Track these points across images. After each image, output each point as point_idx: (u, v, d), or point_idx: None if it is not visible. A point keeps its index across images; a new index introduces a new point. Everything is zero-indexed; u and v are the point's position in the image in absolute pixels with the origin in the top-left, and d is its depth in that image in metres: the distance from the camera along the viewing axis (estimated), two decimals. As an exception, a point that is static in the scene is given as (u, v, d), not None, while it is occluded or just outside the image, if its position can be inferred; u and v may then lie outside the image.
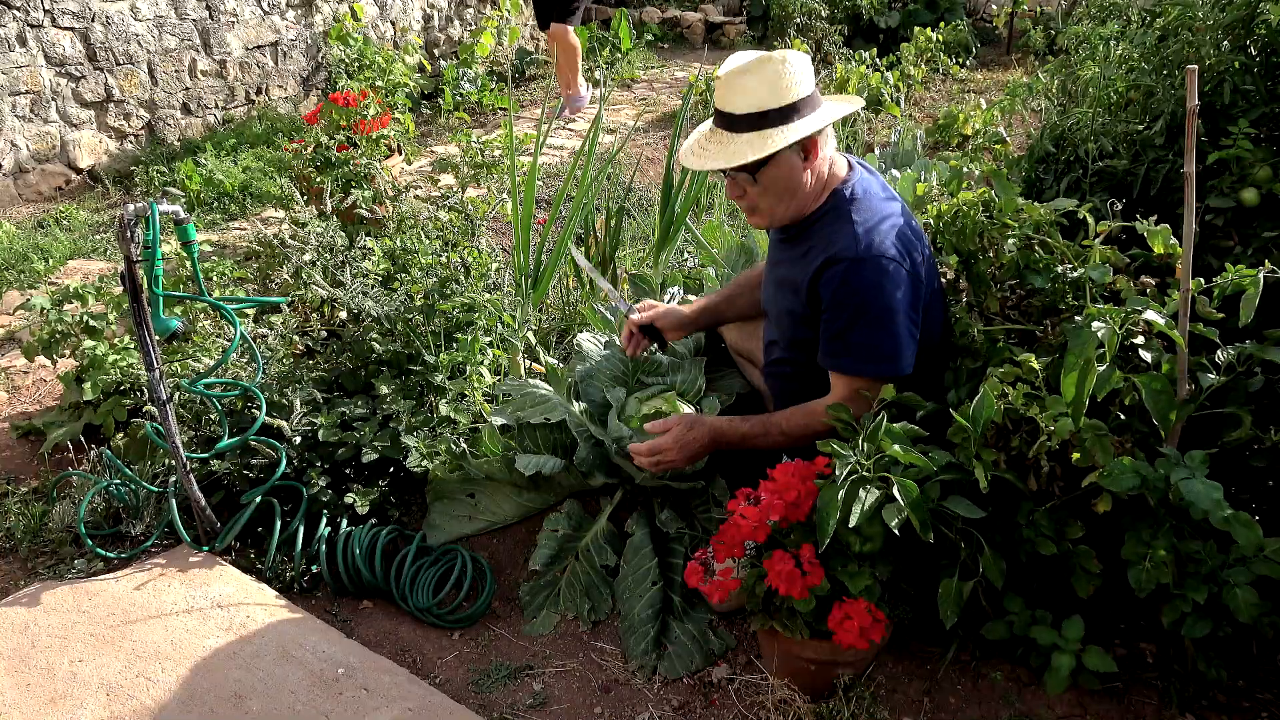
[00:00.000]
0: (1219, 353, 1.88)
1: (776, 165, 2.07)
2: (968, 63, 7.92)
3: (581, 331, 2.94)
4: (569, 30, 6.31)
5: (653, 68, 8.80)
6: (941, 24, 7.99)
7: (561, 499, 2.58)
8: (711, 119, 2.15)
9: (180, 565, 2.42)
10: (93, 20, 5.33)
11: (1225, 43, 2.32)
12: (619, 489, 2.55)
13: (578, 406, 2.60)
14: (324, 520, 2.53)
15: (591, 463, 2.46)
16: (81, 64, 5.33)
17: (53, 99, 5.26)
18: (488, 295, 2.92)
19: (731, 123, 2.07)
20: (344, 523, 2.52)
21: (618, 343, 2.83)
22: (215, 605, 2.27)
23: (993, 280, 2.18)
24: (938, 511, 1.85)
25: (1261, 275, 1.77)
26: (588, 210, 3.53)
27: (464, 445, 2.54)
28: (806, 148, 2.08)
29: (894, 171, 3.54)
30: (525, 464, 2.41)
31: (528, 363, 3.08)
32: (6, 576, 2.51)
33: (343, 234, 3.32)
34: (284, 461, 2.52)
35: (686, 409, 2.46)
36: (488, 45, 7.57)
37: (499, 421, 2.58)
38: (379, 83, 6.25)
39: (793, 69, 2.04)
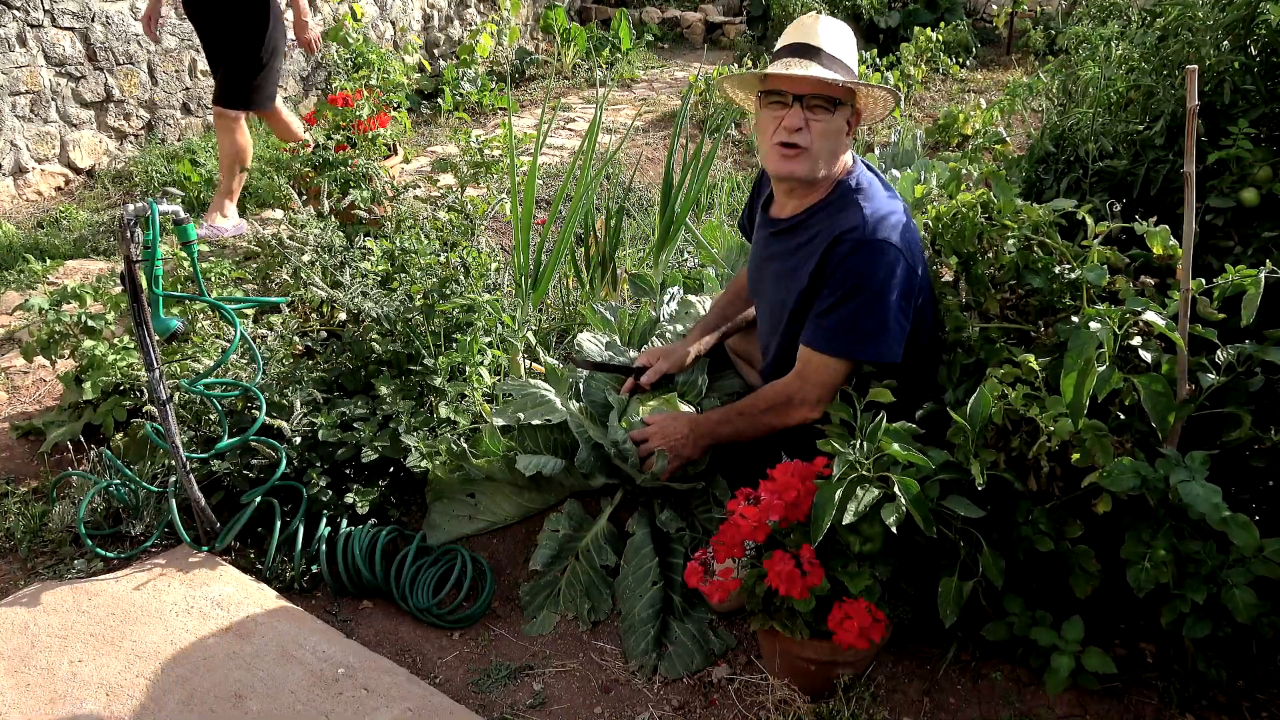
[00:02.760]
0: (1219, 353, 1.88)
1: (842, 112, 2.13)
2: (968, 63, 7.93)
3: (582, 331, 2.94)
4: (239, 122, 4.43)
5: (653, 68, 8.80)
6: (941, 24, 8.00)
7: (562, 499, 2.58)
8: (783, 55, 2.16)
9: (180, 565, 2.42)
10: (93, 20, 5.33)
11: (1225, 43, 2.31)
12: (619, 489, 2.55)
13: (578, 407, 2.60)
14: (324, 520, 2.53)
15: (592, 464, 2.47)
16: (81, 64, 5.33)
17: (53, 99, 5.26)
18: (487, 295, 2.92)
19: (820, 55, 2.12)
20: (344, 523, 2.52)
21: (619, 344, 2.83)
22: (215, 605, 2.27)
23: (992, 282, 2.18)
24: (937, 511, 1.85)
25: (1262, 275, 1.77)
26: (587, 210, 3.53)
27: (464, 445, 2.54)
28: (850, 119, 2.17)
29: (894, 171, 3.54)
30: (526, 464, 2.41)
31: (528, 363, 3.08)
32: (6, 576, 2.50)
33: (341, 234, 3.32)
34: (284, 461, 2.52)
35: (686, 409, 2.47)
36: (488, 45, 7.58)
37: (499, 422, 2.58)
38: (373, 81, 6.24)
39: (855, 46, 2.23)
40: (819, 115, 2.10)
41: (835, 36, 2.14)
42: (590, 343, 2.82)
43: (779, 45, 2.19)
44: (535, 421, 2.52)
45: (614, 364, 2.71)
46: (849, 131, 2.17)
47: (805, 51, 2.11)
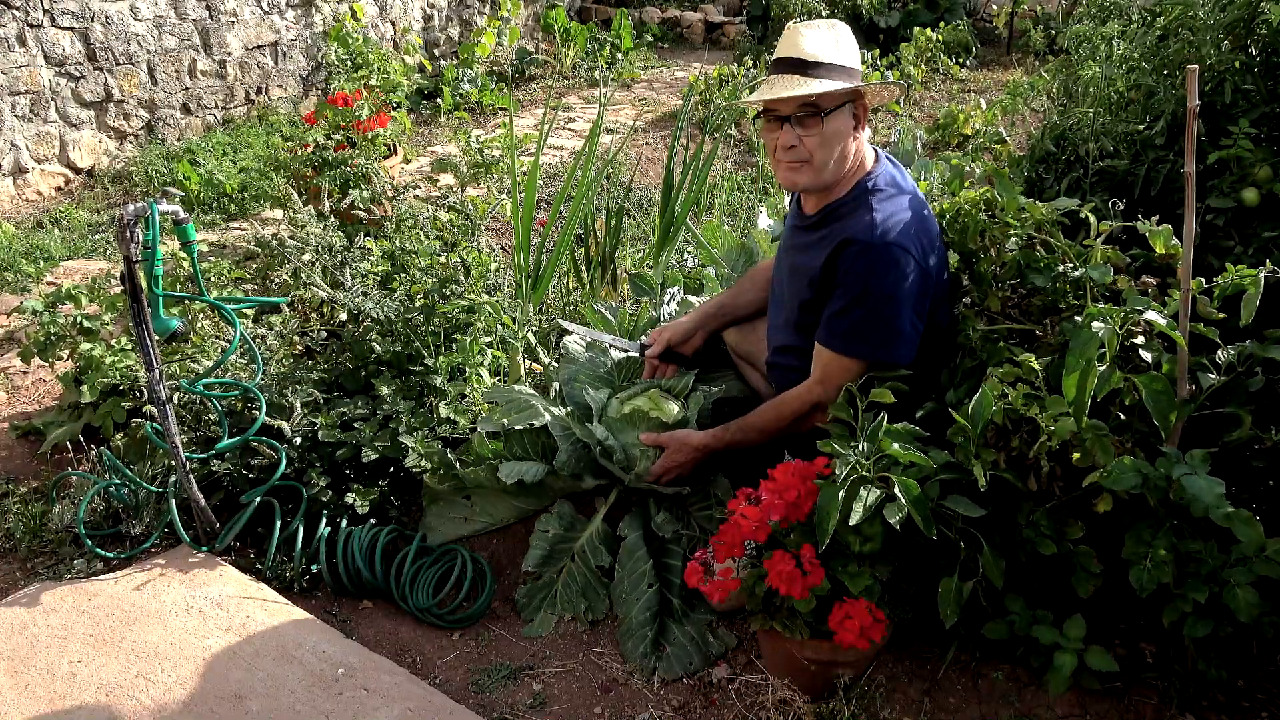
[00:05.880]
0: (1219, 352, 1.87)
1: (839, 116, 2.12)
2: (968, 63, 7.93)
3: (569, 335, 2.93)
4: None
5: (653, 68, 8.80)
6: (941, 24, 8.00)
7: (555, 501, 2.56)
8: (772, 71, 2.17)
9: (180, 565, 2.42)
10: (92, 20, 5.33)
11: (1226, 42, 2.31)
12: (612, 490, 2.54)
13: (561, 411, 2.58)
14: (324, 520, 2.53)
15: (574, 465, 2.45)
16: (81, 64, 5.33)
17: (52, 99, 5.26)
18: (487, 296, 2.92)
19: (806, 67, 2.11)
20: (344, 523, 2.52)
21: (605, 346, 2.82)
22: (215, 605, 2.27)
23: (994, 280, 2.18)
24: (938, 511, 1.85)
25: (1262, 275, 1.77)
26: (587, 210, 3.53)
27: (451, 456, 2.53)
28: (857, 115, 2.16)
29: (894, 171, 3.53)
30: (508, 472, 2.39)
31: (527, 363, 3.08)
32: (6, 576, 2.50)
33: (341, 234, 3.32)
34: (284, 462, 2.52)
35: (671, 406, 2.46)
36: (488, 45, 7.58)
37: (488, 428, 2.57)
38: (372, 81, 6.25)
39: (853, 40, 2.19)
40: (810, 128, 2.12)
41: (821, 42, 2.13)
42: (575, 344, 2.81)
43: (773, 58, 2.20)
44: (519, 426, 2.50)
45: (615, 340, 2.74)
46: (859, 124, 2.17)
47: (790, 66, 2.13)
